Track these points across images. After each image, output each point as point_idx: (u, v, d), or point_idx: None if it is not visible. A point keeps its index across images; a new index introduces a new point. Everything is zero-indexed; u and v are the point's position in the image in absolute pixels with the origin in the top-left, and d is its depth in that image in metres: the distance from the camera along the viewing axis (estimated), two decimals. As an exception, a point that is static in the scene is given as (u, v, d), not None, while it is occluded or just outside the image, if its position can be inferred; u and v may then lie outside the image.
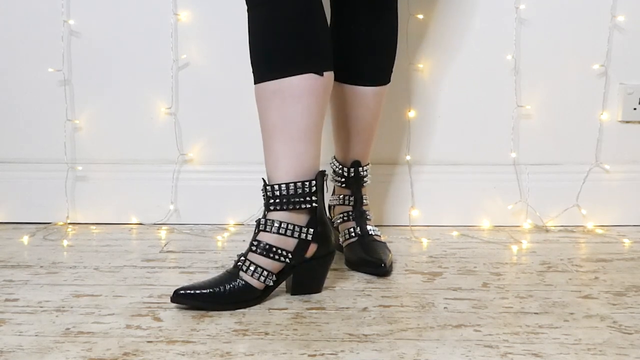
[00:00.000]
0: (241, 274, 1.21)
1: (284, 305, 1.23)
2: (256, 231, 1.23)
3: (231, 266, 1.24)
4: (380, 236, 1.48)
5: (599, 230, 1.76)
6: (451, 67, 1.76)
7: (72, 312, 1.19)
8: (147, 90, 1.78)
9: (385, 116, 1.68)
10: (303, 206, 1.21)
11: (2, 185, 1.81)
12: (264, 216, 1.23)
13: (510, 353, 1.04)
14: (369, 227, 1.47)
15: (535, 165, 1.80)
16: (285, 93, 1.20)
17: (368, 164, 1.52)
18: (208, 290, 1.19)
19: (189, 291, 1.19)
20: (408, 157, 1.79)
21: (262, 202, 1.26)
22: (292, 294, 1.27)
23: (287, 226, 1.21)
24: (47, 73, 1.76)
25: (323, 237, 1.25)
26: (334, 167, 1.52)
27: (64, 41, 1.75)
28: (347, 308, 1.21)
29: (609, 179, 1.80)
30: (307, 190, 1.21)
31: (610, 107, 1.78)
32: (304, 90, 1.20)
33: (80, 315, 1.18)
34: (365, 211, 1.49)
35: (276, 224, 1.21)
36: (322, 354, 1.03)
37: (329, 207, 1.55)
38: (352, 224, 1.48)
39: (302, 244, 1.23)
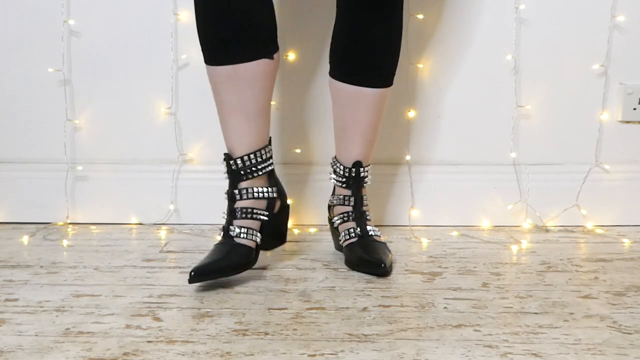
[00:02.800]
0: (236, 239, 1.34)
1: (283, 305, 1.23)
2: (230, 202, 1.38)
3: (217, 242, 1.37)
4: (380, 236, 1.48)
5: (599, 230, 1.76)
6: (451, 67, 1.76)
7: (72, 312, 1.19)
8: (147, 90, 1.78)
9: (385, 116, 1.68)
10: (264, 171, 1.39)
11: (2, 185, 1.81)
12: (235, 187, 1.38)
13: (510, 353, 1.04)
14: (369, 228, 1.47)
15: (535, 165, 1.80)
16: (241, 76, 1.34)
17: (369, 165, 1.52)
18: (223, 264, 1.30)
19: (204, 269, 1.28)
20: (408, 157, 1.79)
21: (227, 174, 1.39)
22: (267, 250, 1.45)
23: (258, 190, 1.38)
24: (47, 73, 1.76)
25: (281, 193, 1.45)
26: (335, 167, 1.51)
27: (64, 41, 1.75)
28: (347, 308, 1.22)
29: (609, 179, 1.80)
30: (265, 156, 1.39)
31: (610, 107, 1.78)
32: (258, 74, 1.35)
33: (80, 315, 1.18)
34: (365, 211, 1.49)
35: (250, 191, 1.37)
36: (322, 354, 1.03)
37: (329, 207, 1.55)
38: (352, 224, 1.47)
39: (271, 202, 1.40)
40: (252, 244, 1.35)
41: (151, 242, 1.64)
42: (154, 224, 1.79)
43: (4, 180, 1.81)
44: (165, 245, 1.61)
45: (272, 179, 1.42)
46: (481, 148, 1.80)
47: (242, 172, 1.37)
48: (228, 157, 1.38)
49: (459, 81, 1.77)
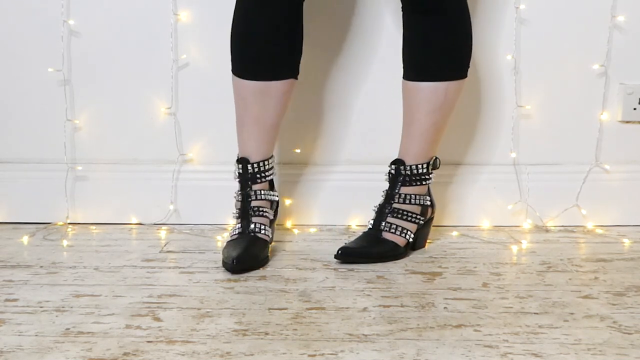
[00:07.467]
0: (257, 234, 1.47)
1: (284, 305, 1.23)
2: (245, 202, 1.51)
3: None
4: (402, 235, 1.50)
5: (599, 230, 1.76)
6: (451, 67, 1.76)
7: (72, 312, 1.19)
8: (147, 90, 1.78)
9: (384, 116, 1.69)
10: (271, 177, 1.55)
11: (2, 185, 1.81)
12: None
13: (510, 353, 1.04)
14: (385, 223, 1.51)
15: (535, 165, 1.80)
16: (268, 93, 1.47)
17: (424, 164, 1.55)
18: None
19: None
20: (408, 157, 1.79)
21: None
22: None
23: (269, 192, 1.54)
24: (47, 73, 1.76)
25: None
26: None
27: (64, 41, 1.75)
28: (347, 308, 1.22)
29: (609, 179, 1.80)
30: (272, 165, 1.54)
31: (610, 107, 1.78)
32: (284, 92, 1.48)
33: (80, 315, 1.18)
34: (397, 209, 1.52)
35: (264, 193, 1.52)
36: (322, 354, 1.03)
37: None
38: (374, 217, 1.54)
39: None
40: (267, 238, 1.50)
41: (151, 242, 1.64)
42: (154, 224, 1.79)
43: (4, 180, 1.81)
44: (165, 245, 1.61)
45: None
46: (481, 148, 1.80)
47: (257, 176, 1.51)
48: (245, 162, 1.51)
49: (459, 81, 1.76)
